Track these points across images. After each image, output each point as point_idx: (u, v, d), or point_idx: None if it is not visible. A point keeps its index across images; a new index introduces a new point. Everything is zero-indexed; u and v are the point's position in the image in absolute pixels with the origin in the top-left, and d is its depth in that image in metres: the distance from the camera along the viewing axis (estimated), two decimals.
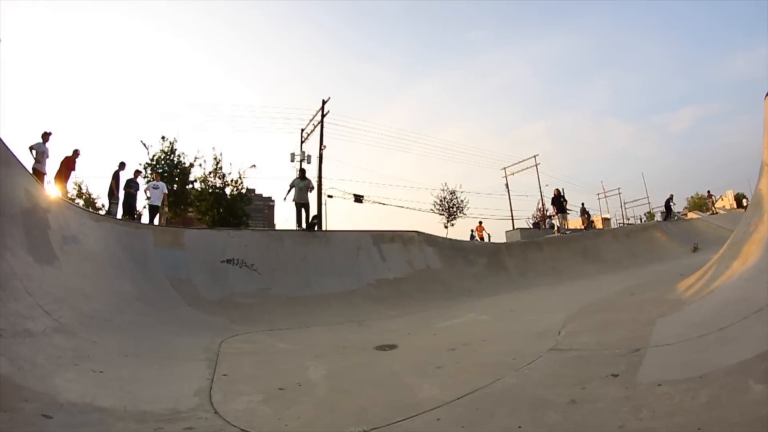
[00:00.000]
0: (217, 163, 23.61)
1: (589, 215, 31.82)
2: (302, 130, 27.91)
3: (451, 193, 35.23)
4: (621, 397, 2.68)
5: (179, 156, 23.08)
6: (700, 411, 2.32)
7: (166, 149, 22.76)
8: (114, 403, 2.63)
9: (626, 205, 59.46)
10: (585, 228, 24.97)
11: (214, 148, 28.89)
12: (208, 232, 10.69)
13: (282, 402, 3.19)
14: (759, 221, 5.61)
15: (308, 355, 4.85)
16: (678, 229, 21.10)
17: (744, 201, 39.81)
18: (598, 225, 40.59)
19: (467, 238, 22.86)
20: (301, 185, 11.94)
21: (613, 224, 47.90)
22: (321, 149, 26.09)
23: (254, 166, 24.89)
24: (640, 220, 52.91)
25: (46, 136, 10.44)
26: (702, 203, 65.61)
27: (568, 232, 20.08)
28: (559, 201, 20.05)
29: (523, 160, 40.50)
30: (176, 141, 23.15)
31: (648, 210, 56.49)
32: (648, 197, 59.10)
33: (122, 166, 11.90)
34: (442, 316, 7.46)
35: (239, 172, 24.07)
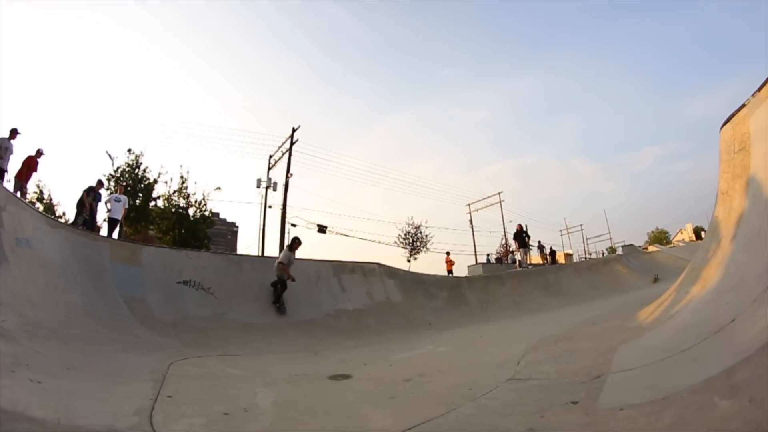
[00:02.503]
0: (183, 182, 23.14)
1: (551, 252, 32.74)
2: (270, 157, 27.95)
3: (416, 228, 35.63)
4: (581, 423, 2.66)
5: (144, 170, 22.53)
6: None
7: (131, 162, 22.16)
8: (48, 415, 2.50)
9: (588, 241, 61.93)
10: (545, 263, 25.61)
11: (181, 166, 28.33)
12: (166, 251, 10.40)
13: (225, 427, 3.10)
14: (717, 247, 5.87)
15: (259, 382, 4.75)
16: (639, 261, 21.89)
17: (702, 233, 41.78)
18: (561, 261, 41.66)
19: (430, 272, 23.09)
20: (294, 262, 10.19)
21: (576, 259, 49.38)
22: (287, 177, 26.06)
23: (219, 188, 24.49)
24: (602, 254, 54.86)
25: (13, 133, 10.21)
26: (662, 237, 69.12)
27: (530, 267, 20.57)
28: (521, 236, 20.55)
29: (488, 197, 41.97)
30: (142, 155, 22.60)
31: (610, 245, 58.98)
32: (610, 233, 61.60)
33: (100, 184, 11.75)
34: (400, 348, 7.44)
35: (203, 194, 23.62)
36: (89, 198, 11.16)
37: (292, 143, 26.70)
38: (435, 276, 15.65)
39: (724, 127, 6.47)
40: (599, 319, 7.69)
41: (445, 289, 14.31)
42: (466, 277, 17.93)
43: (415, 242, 35.35)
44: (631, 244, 32.30)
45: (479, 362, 5.55)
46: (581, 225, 65.73)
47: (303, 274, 10.73)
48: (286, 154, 26.71)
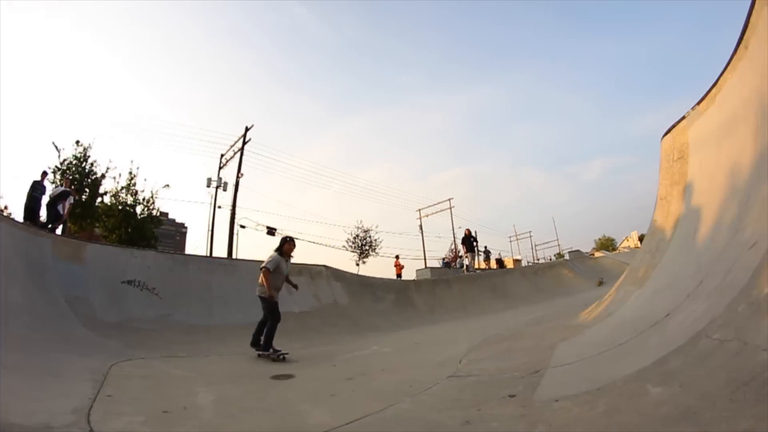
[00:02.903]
0: (132, 178, 22.39)
1: (498, 260, 33.79)
2: (222, 156, 27.44)
3: (365, 232, 35.83)
4: (517, 415, 2.78)
5: (92, 165, 21.58)
6: (597, 419, 2.43)
7: (78, 155, 21.18)
8: None
9: (537, 247, 64.07)
10: (488, 268, 26.31)
11: (132, 162, 27.21)
12: (110, 248, 10.12)
13: (163, 424, 3.20)
14: (655, 248, 6.30)
15: (201, 382, 4.83)
16: (584, 266, 22.84)
17: None
18: (510, 266, 42.90)
19: (379, 276, 23.39)
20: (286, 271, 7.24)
21: (524, 264, 50.93)
22: (238, 176, 25.72)
23: (168, 186, 23.79)
24: (550, 260, 56.81)
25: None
26: (609, 244, 72.21)
27: (477, 271, 21.11)
28: (469, 241, 20.98)
29: (439, 203, 42.55)
30: (90, 147, 21.62)
31: (558, 251, 61.22)
32: (558, 239, 63.87)
33: (44, 175, 11.39)
34: (345, 350, 7.63)
35: (152, 191, 22.93)
36: (37, 192, 10.81)
37: (244, 142, 26.31)
38: (382, 279, 15.90)
39: (665, 137, 6.97)
40: (543, 320, 7.99)
41: (393, 292, 14.58)
42: (413, 280, 18.28)
43: (364, 246, 35.49)
44: (578, 250, 33.69)
45: (422, 361, 5.73)
46: (530, 232, 68.20)
47: (249, 276, 10.69)
48: (238, 154, 26.31)
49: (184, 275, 9.94)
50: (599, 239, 77.47)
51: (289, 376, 5.28)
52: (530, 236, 63.61)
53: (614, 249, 63.45)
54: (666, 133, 6.85)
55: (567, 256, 32.73)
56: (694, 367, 2.58)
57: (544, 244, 65.92)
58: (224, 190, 26.27)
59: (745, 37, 4.38)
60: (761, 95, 3.89)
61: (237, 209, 25.45)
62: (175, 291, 9.32)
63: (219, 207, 25.90)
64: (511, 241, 61.84)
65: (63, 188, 11.87)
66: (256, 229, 26.92)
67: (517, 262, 54.05)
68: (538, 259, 59.81)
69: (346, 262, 36.62)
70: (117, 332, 7.35)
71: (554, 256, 60.28)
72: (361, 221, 37.51)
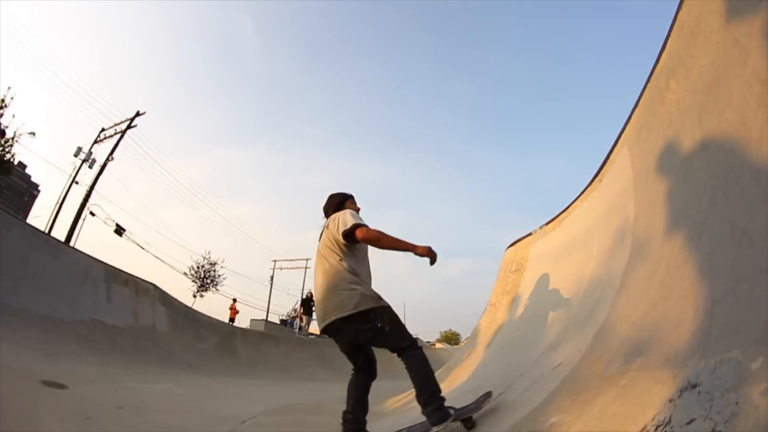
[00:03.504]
0: (2, 104, 18.87)
1: None
2: (102, 130, 24.80)
3: (211, 264, 34.09)
4: None
5: None
6: None
7: None
8: None
9: None
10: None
11: (9, 89, 22.83)
12: None
13: None
14: (472, 350, 6.57)
15: None
16: None
17: None
18: None
19: (213, 313, 22.11)
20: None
21: None
22: (108, 159, 23.29)
23: (33, 134, 20.53)
24: None
25: None
26: (453, 337, 76.05)
27: (310, 336, 20.79)
28: (308, 303, 20.80)
29: (296, 260, 42.11)
30: None
31: None
32: (405, 324, 65.60)
33: None
34: (140, 378, 6.93)
35: (15, 132, 19.49)
36: None
37: (129, 126, 24.14)
38: (211, 318, 14.87)
39: (509, 248, 7.56)
40: None
41: (217, 335, 13.76)
42: (243, 328, 17.62)
43: (206, 279, 33.61)
44: (417, 338, 35.25)
45: (206, 411, 5.39)
46: None
47: (73, 266, 9.31)
48: (118, 136, 23.97)
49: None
50: (445, 332, 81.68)
51: (61, 386, 4.60)
52: None
53: (457, 343, 67.40)
54: (511, 245, 7.48)
55: None
56: None
57: None
58: (90, 167, 23.44)
59: (602, 171, 4.78)
60: (603, 225, 4.31)
61: (94, 193, 22.68)
62: None
63: (76, 182, 22.84)
64: None
65: None
66: (105, 222, 24.04)
67: None
68: None
69: (183, 290, 33.95)
70: None
71: None
72: (209, 252, 35.28)
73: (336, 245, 3.33)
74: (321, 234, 3.61)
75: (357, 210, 3.71)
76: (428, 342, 39.85)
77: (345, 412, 3.40)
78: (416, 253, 3.22)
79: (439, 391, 3.15)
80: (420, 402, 3.14)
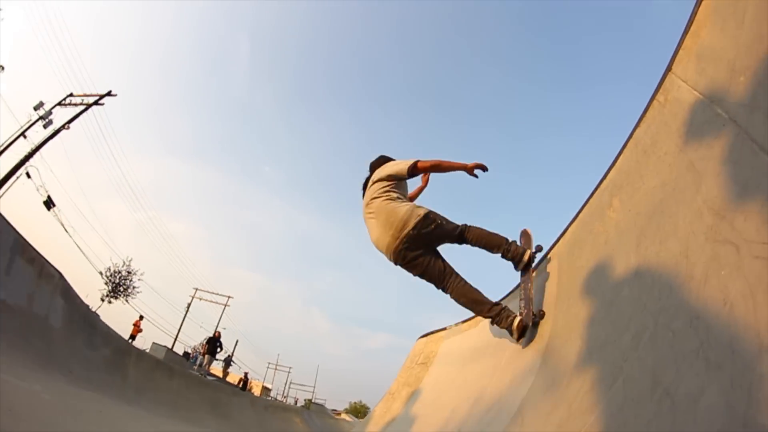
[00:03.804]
0: None
1: (245, 377, 31.83)
2: (70, 94, 23.05)
3: (128, 272, 31.80)
4: None
5: None
6: None
7: None
8: None
9: (292, 385, 61.95)
10: (239, 385, 24.58)
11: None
12: None
13: None
14: None
15: None
16: (321, 421, 22.23)
17: None
18: (255, 390, 40.62)
19: (116, 324, 20.26)
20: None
21: (273, 396, 48.82)
22: (64, 126, 21.62)
23: (2, 68, 18.82)
24: (296, 402, 55.60)
25: None
26: (361, 410, 73.06)
27: (208, 377, 19.36)
28: (214, 343, 19.98)
29: (218, 294, 40.43)
30: None
31: (311, 398, 59.90)
32: (314, 387, 63.14)
33: None
34: (7, 369, 5.62)
35: None
36: None
37: (97, 102, 22.65)
38: (110, 328, 13.35)
39: (421, 339, 7.15)
40: None
41: (111, 348, 12.20)
42: (141, 350, 15.99)
43: (119, 285, 31.18)
44: (322, 405, 33.63)
45: (58, 428, 4.39)
46: (291, 368, 66.31)
47: None
48: (83, 107, 22.44)
49: None
50: (355, 402, 79.02)
51: None
52: (289, 371, 62.22)
53: (363, 416, 64.84)
54: (423, 336, 7.11)
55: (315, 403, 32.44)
56: None
57: (300, 385, 64.72)
58: (44, 126, 21.57)
59: None
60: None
61: (38, 155, 20.83)
62: None
63: (25, 136, 20.93)
64: (268, 368, 59.57)
65: None
66: (38, 190, 21.87)
67: (266, 390, 51.78)
68: (287, 396, 58.39)
69: (92, 290, 31.17)
70: None
71: (305, 401, 60.04)
72: (130, 259, 32.79)
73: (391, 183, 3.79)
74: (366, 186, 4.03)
75: None
76: (334, 410, 37.79)
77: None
78: (469, 170, 3.62)
79: None
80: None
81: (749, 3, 1.77)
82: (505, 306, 3.48)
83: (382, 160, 4.09)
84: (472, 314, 6.01)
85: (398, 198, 3.67)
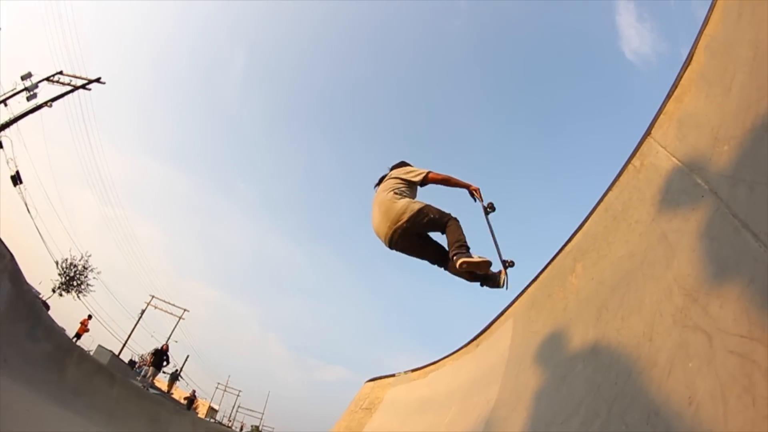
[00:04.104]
0: None
1: (192, 394, 30.28)
2: (60, 72, 22.29)
3: (84, 267, 30.30)
4: None
5: None
6: None
7: None
8: None
9: (240, 409, 59.45)
10: (185, 402, 23.49)
11: None
12: None
13: None
14: None
15: None
16: None
17: None
18: (200, 409, 38.82)
19: (65, 320, 19.15)
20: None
21: (220, 418, 47.01)
22: (47, 103, 20.82)
23: None
24: (242, 427, 53.35)
25: None
26: None
27: (151, 390, 18.30)
28: (160, 355, 18.89)
29: (174, 305, 38.86)
30: None
31: (258, 425, 57.62)
32: (263, 414, 60.80)
33: None
34: None
35: None
36: None
37: (85, 86, 21.95)
38: (55, 323, 12.46)
39: (368, 383, 6.80)
40: None
41: (53, 344, 11.32)
42: (85, 351, 15.01)
43: (73, 279, 29.62)
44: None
45: None
46: (240, 391, 63.58)
47: None
48: (70, 87, 21.73)
49: None
50: None
51: None
52: (238, 394, 59.70)
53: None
54: (371, 380, 6.80)
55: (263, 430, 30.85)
56: None
57: (249, 410, 62.04)
58: (27, 98, 20.71)
59: (481, 336, 4.51)
60: (463, 397, 3.94)
61: (14, 126, 19.94)
62: None
63: (5, 104, 20.02)
64: (217, 388, 57.04)
65: None
66: (8, 163, 20.71)
67: (212, 410, 49.40)
68: (233, 420, 55.82)
69: (44, 278, 29.35)
70: None
71: (252, 426, 57.36)
72: (89, 254, 31.15)
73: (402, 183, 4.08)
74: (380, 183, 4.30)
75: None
76: (273, 429, 35.97)
77: None
78: (471, 190, 4.05)
79: None
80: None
81: (738, 69, 1.65)
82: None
83: (402, 164, 4.49)
84: (423, 364, 5.79)
85: (402, 193, 3.97)
